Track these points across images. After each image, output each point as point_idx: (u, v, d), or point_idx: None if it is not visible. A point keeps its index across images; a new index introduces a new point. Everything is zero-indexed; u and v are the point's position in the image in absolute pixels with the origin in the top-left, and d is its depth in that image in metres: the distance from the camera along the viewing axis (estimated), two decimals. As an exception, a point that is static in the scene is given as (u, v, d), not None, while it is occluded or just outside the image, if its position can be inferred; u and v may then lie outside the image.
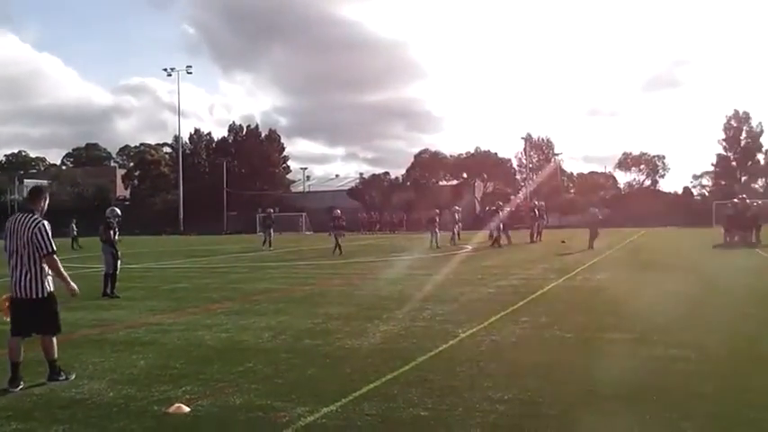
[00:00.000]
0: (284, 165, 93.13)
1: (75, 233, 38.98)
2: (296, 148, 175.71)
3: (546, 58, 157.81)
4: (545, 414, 5.17)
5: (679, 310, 10.30)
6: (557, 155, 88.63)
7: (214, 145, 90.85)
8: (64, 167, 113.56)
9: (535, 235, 33.62)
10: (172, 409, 5.45)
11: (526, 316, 9.83)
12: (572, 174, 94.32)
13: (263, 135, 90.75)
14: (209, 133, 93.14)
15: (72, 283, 6.59)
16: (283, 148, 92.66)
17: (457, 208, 35.65)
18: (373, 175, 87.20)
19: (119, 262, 13.89)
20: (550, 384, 6.02)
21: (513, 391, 5.80)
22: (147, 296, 13.79)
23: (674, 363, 6.78)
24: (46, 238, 6.36)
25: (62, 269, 6.50)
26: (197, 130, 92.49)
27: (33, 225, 6.37)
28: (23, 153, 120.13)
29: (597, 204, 43.26)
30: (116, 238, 13.92)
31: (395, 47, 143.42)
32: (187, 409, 5.43)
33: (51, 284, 6.49)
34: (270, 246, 31.86)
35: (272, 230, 33.63)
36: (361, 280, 16.37)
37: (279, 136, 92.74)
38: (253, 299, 12.90)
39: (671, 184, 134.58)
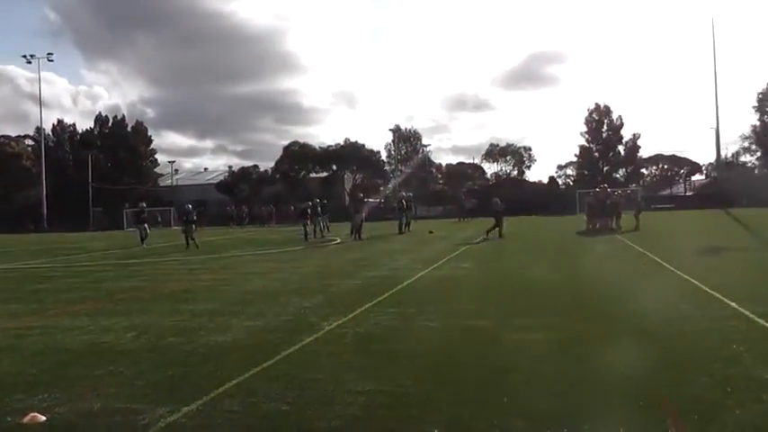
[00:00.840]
0: (152, 158, 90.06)
1: None
2: (164, 141, 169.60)
3: (415, 50, 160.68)
4: (404, 404, 5.32)
5: (539, 294, 10.81)
6: (425, 146, 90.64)
7: (79, 137, 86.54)
8: None
9: (403, 226, 34.22)
10: (26, 420, 5.21)
11: (392, 306, 10.00)
12: (440, 165, 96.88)
13: (129, 127, 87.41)
14: (74, 125, 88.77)
15: None
16: (151, 141, 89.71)
17: (317, 199, 35.54)
18: (242, 168, 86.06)
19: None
20: (413, 373, 6.18)
21: (374, 382, 5.93)
22: (5, 299, 12.99)
23: (531, 346, 7.12)
24: None
25: None
26: (60, 122, 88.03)
27: None
28: None
29: (490, 196, 44.66)
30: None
31: (265, 38, 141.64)
32: (43, 419, 5.22)
33: None
34: (143, 243, 29.85)
35: (146, 226, 31.37)
36: (229, 275, 16.13)
37: (146, 128, 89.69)
38: (117, 298, 12.44)
39: (538, 174, 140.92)
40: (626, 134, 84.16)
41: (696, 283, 11.29)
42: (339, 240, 29.47)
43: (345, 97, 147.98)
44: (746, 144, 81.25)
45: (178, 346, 7.77)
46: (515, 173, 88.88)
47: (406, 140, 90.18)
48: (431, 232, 32.82)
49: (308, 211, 31.85)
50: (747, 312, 8.41)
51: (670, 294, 10.33)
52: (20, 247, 35.24)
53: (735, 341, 6.96)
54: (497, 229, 27.15)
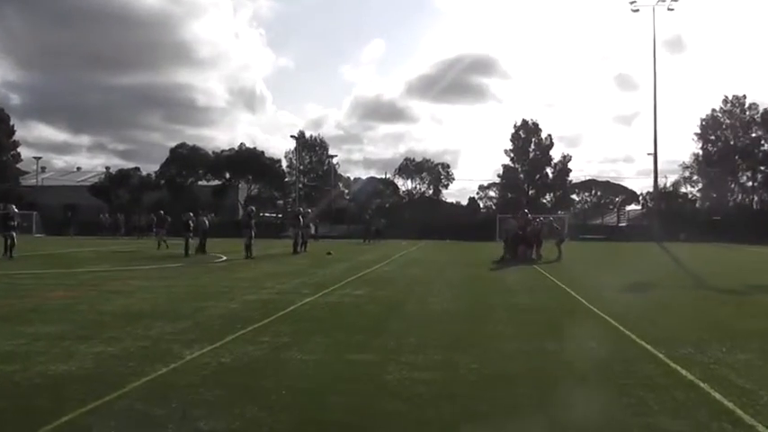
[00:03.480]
0: (14, 152, 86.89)
1: None
2: (30, 133, 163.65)
3: (327, 47, 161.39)
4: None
5: (435, 328, 10.91)
6: (331, 157, 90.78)
7: None
8: None
9: (299, 245, 34.11)
10: None
11: (267, 335, 9.92)
12: (349, 179, 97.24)
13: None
14: None
15: None
16: (13, 132, 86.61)
17: (201, 211, 35.25)
18: (121, 170, 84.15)
19: None
20: (270, 412, 6.12)
21: (225, 419, 5.85)
22: None
23: (414, 386, 7.14)
24: None
25: None
26: None
27: None
28: None
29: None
30: None
31: (157, 23, 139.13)
32: None
33: None
34: (10, 253, 27.66)
35: (14, 234, 28.63)
36: (88, 292, 15.60)
37: (9, 116, 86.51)
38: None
39: (457, 195, 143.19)
40: (555, 155, 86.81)
41: (610, 320, 11.65)
42: (224, 258, 29.08)
43: (245, 97, 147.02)
44: (687, 174, 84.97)
45: (8, 375, 7.44)
46: (431, 192, 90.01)
47: (311, 149, 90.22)
48: (329, 254, 32.84)
49: (190, 223, 31.38)
50: (660, 354, 8.71)
51: (577, 331, 10.62)
52: None
53: (641, 386, 7.18)
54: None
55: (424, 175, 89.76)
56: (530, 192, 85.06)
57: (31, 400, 6.46)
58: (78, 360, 8.17)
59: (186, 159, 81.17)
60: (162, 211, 42.45)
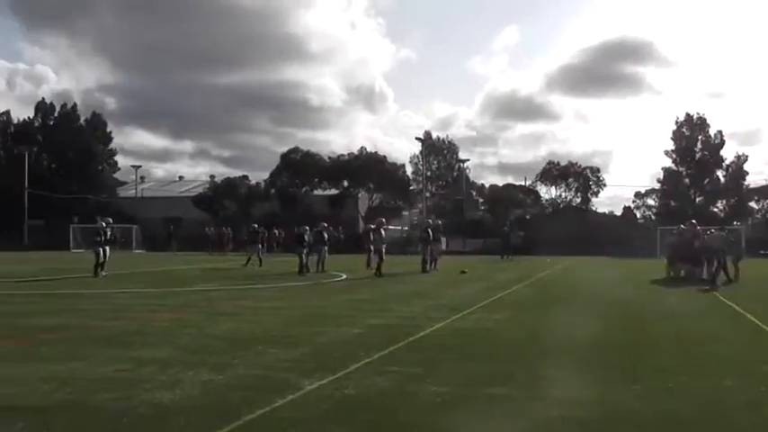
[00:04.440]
0: (110, 160, 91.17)
1: None
2: (128, 140, 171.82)
3: (454, 39, 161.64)
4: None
5: (587, 359, 10.65)
6: (462, 161, 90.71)
7: (12, 129, 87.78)
8: None
9: (429, 262, 34.15)
10: None
11: (395, 365, 9.89)
12: (483, 186, 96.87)
13: (82, 120, 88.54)
14: (7, 113, 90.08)
15: None
16: (110, 139, 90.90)
17: (324, 225, 35.82)
18: (227, 178, 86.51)
19: None
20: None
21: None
22: None
23: (568, 426, 6.96)
24: None
25: None
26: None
27: None
28: None
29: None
30: None
31: (264, 16, 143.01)
32: None
33: None
34: (104, 270, 29.06)
35: (107, 249, 29.99)
36: (194, 314, 16.09)
37: (105, 123, 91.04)
38: (39, 338, 12.38)
39: (609, 203, 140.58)
40: (728, 155, 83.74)
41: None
42: (344, 277, 29.42)
43: (364, 95, 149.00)
44: None
45: (110, 403, 7.67)
46: (578, 200, 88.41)
47: (439, 153, 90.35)
48: (463, 272, 32.71)
49: (305, 237, 31.92)
50: None
51: (765, 369, 10.11)
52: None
53: None
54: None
55: (569, 181, 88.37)
56: (696, 199, 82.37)
57: (136, 433, 6.63)
58: (185, 388, 8.35)
59: (299, 166, 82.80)
60: (255, 225, 43.41)
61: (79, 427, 6.78)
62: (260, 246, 40.20)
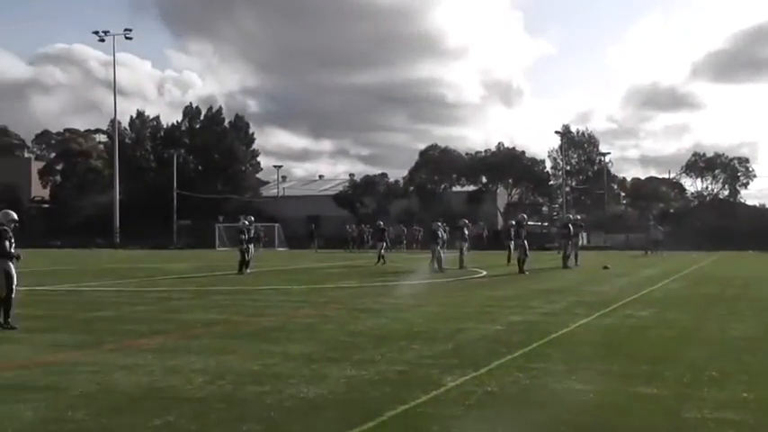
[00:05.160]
0: (253, 161, 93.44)
1: None
2: (269, 141, 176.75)
3: (591, 29, 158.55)
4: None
5: (741, 359, 10.32)
6: (603, 155, 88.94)
7: (162, 133, 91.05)
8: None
9: (570, 258, 33.71)
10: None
11: (538, 362, 9.87)
12: (624, 180, 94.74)
13: (226, 122, 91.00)
14: (157, 118, 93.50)
15: None
16: (253, 140, 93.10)
17: (465, 221, 35.81)
18: (366, 176, 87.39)
19: (14, 283, 13.77)
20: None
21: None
22: (53, 327, 13.78)
23: (723, 428, 6.78)
24: None
25: None
26: (140, 114, 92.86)
27: None
28: None
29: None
30: (12, 250, 13.83)
31: (399, 14, 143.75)
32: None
33: None
34: (248, 267, 30.09)
35: (251, 247, 31.53)
36: (336, 311, 16.42)
37: (248, 124, 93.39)
38: (192, 333, 12.91)
39: (759, 195, 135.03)
40: None
41: None
42: (484, 274, 29.36)
43: (501, 89, 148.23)
44: None
45: (258, 396, 7.93)
46: (726, 193, 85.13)
47: (579, 147, 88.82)
48: (605, 268, 32.14)
49: (439, 233, 31.98)
50: None
51: None
52: (82, 265, 37.48)
53: None
54: None
55: (716, 172, 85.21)
56: None
57: (282, 425, 6.83)
58: (330, 383, 8.55)
59: (437, 163, 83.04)
60: (380, 222, 43.70)
61: (231, 419, 7.03)
62: (385, 243, 40.35)
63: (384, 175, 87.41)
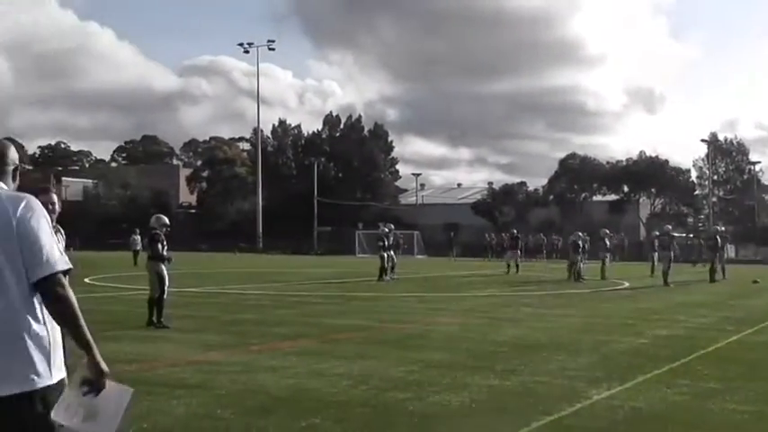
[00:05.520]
0: (392, 169, 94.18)
1: (138, 246, 40.43)
2: (408, 149, 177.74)
3: (736, 31, 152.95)
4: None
5: None
6: (752, 164, 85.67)
7: (303, 141, 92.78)
8: (113, 164, 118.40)
9: (718, 271, 32.59)
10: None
11: (686, 378, 9.53)
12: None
13: (366, 131, 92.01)
14: (298, 126, 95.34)
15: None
16: (392, 149, 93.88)
17: (606, 231, 35.11)
18: (505, 185, 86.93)
19: (166, 284, 14.41)
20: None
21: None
22: (202, 328, 14.29)
23: None
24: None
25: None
26: (282, 123, 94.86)
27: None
28: (63, 145, 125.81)
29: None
30: (164, 253, 14.42)
31: (537, 21, 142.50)
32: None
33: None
34: (387, 274, 30.07)
35: (392, 254, 31.44)
36: (475, 319, 16.37)
37: (387, 132, 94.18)
38: (334, 337, 13.12)
39: None
40: None
41: None
42: (627, 285, 28.73)
43: (643, 97, 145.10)
44: None
45: (401, 403, 7.95)
46: None
47: (727, 155, 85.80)
48: (755, 282, 30.86)
49: (579, 243, 31.50)
50: None
51: None
52: (226, 269, 38.77)
53: None
54: None
55: None
56: None
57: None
58: (473, 392, 8.48)
59: (577, 172, 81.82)
60: (514, 231, 43.08)
61: (375, 423, 7.09)
62: (518, 252, 39.78)
63: (523, 184, 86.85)
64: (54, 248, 3.33)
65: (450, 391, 8.49)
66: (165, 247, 14.50)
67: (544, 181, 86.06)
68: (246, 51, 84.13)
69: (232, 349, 11.51)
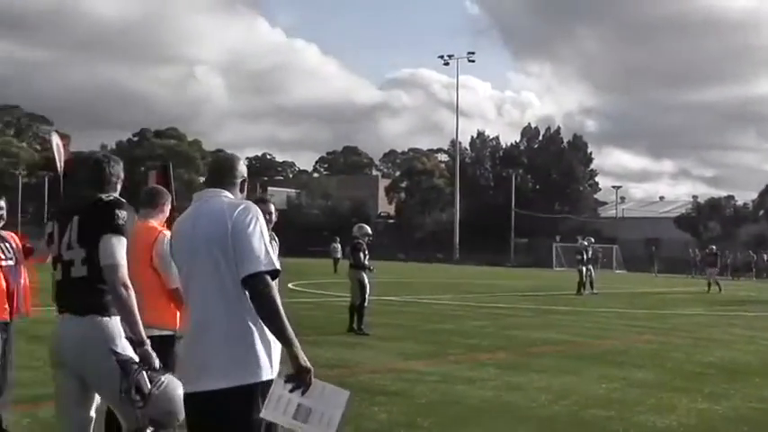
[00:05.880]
0: (591, 181, 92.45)
1: (338, 254, 41.56)
2: (607, 161, 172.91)
3: None
4: None
5: None
6: None
7: (501, 153, 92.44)
8: (316, 175, 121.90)
9: None
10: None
11: None
12: None
13: (565, 142, 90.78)
14: (496, 138, 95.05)
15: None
16: (591, 160, 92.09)
17: None
18: (711, 199, 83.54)
19: (367, 292, 14.69)
20: None
21: None
22: (401, 336, 14.47)
23: None
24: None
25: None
26: (480, 134, 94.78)
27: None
28: (269, 156, 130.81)
29: None
30: (365, 262, 14.73)
31: (747, 26, 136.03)
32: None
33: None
34: (585, 289, 29.55)
35: (590, 268, 30.84)
36: (679, 338, 15.73)
37: (586, 144, 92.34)
38: (531, 351, 12.98)
39: None
40: None
41: None
42: None
43: None
44: None
45: (604, 421, 7.77)
46: None
47: None
48: None
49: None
50: None
51: None
52: (424, 279, 39.09)
53: None
54: None
55: None
56: None
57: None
58: (680, 415, 8.14)
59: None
60: (713, 247, 40.92)
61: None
62: (716, 269, 37.72)
63: (731, 198, 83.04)
64: (263, 250, 3.50)
65: (655, 413, 8.19)
66: (367, 256, 14.84)
67: (754, 195, 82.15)
68: (446, 64, 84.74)
69: (431, 359, 11.63)
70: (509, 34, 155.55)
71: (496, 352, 12.64)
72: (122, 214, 4.32)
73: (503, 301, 24.88)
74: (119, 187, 4.68)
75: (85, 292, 4.36)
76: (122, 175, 4.76)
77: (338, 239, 43.02)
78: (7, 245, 6.00)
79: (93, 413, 4.58)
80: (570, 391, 9.24)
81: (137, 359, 4.23)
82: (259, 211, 3.62)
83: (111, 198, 4.50)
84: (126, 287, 4.27)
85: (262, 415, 3.38)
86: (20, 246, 6.11)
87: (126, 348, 4.27)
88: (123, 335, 4.31)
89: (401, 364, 11.01)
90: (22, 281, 6.05)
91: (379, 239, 71.54)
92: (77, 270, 4.39)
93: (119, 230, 4.32)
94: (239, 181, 3.85)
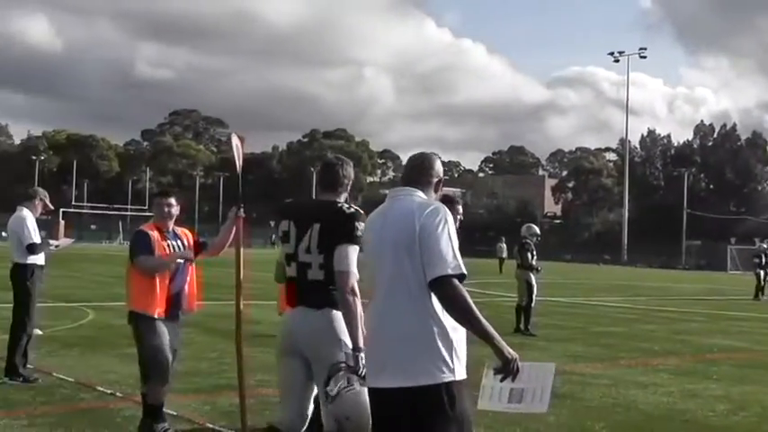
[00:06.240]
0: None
1: (504, 254, 41.37)
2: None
3: None
4: None
5: None
6: None
7: (672, 152, 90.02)
8: (481, 174, 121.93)
9: None
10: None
11: None
12: None
13: (741, 140, 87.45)
14: (668, 136, 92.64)
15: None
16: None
17: None
18: None
19: (534, 292, 14.55)
20: None
21: None
22: (569, 338, 14.29)
23: None
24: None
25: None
26: (651, 132, 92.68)
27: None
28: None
29: None
30: (533, 262, 14.58)
31: None
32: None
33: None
34: (765, 294, 28.23)
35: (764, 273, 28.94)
36: None
37: (765, 142, 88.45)
38: (707, 358, 12.49)
39: None
40: None
41: None
42: None
43: None
44: None
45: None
46: None
47: None
48: None
49: None
50: None
51: None
52: (591, 280, 38.33)
53: None
54: None
55: None
56: None
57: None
58: None
59: None
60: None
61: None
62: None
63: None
64: (450, 253, 3.50)
65: None
66: (535, 257, 14.70)
67: None
68: (617, 60, 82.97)
69: (600, 362, 11.40)
70: (683, 28, 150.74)
71: (669, 357, 12.24)
72: (361, 226, 4.43)
73: (674, 305, 24.15)
74: (349, 188, 4.89)
75: (321, 292, 4.59)
76: (353, 175, 4.96)
77: (504, 239, 42.81)
78: (178, 242, 6.33)
79: (312, 404, 4.80)
80: (750, 401, 8.80)
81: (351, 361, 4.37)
82: (449, 212, 3.61)
83: (353, 210, 4.66)
84: (354, 293, 4.43)
85: (479, 407, 3.55)
86: (191, 243, 6.44)
87: (349, 345, 4.43)
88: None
89: (569, 366, 10.77)
90: (188, 278, 6.36)
91: (545, 239, 70.85)
92: (314, 273, 4.61)
93: (355, 241, 4.47)
94: (435, 180, 3.85)
